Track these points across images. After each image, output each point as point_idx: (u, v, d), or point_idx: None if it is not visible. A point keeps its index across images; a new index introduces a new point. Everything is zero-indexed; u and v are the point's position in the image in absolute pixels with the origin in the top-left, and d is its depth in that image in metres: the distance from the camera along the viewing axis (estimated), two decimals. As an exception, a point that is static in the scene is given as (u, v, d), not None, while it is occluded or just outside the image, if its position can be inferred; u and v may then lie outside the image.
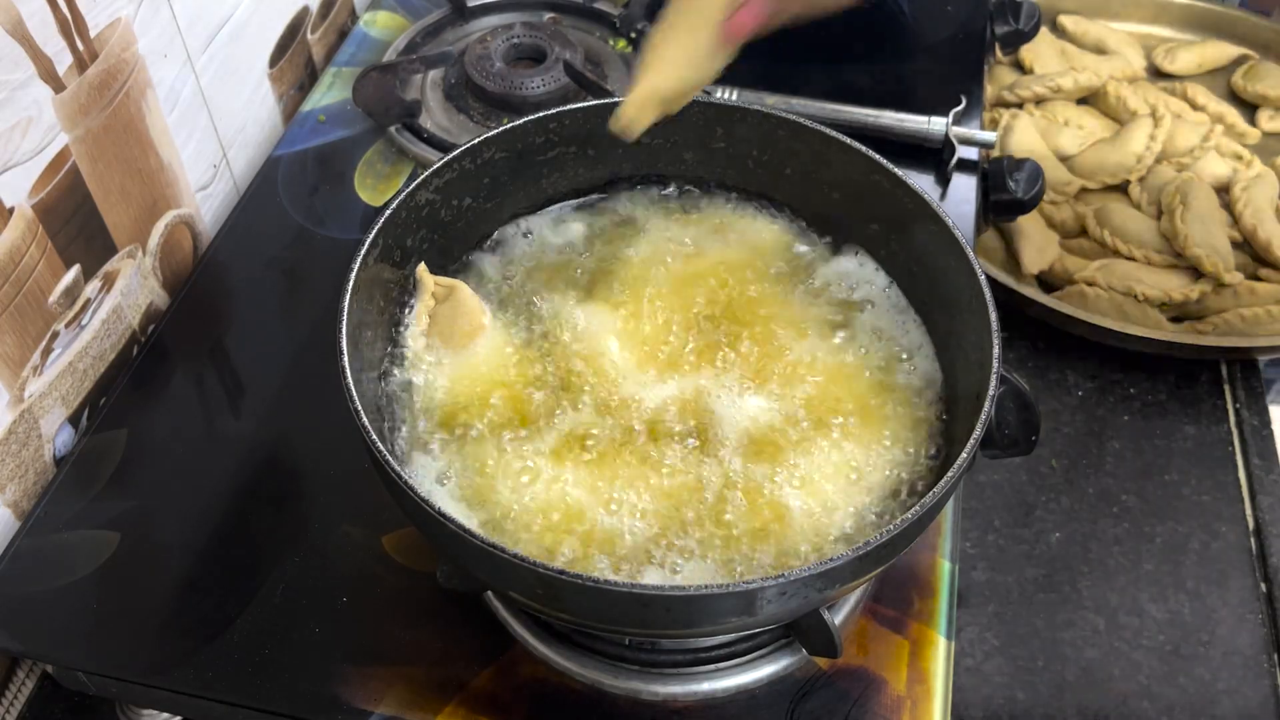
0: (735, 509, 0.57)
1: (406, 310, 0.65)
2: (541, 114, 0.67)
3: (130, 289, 0.83)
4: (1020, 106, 1.25)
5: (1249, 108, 1.28)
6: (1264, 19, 1.36)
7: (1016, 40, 1.13)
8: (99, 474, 0.74)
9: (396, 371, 0.63)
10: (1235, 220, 1.11)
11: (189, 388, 0.80)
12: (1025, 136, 1.19)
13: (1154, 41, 1.37)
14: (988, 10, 1.11)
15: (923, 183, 0.63)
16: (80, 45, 0.73)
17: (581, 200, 0.72)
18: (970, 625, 0.88)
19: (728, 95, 0.95)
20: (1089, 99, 1.27)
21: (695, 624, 0.52)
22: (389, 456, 0.51)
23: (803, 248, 0.69)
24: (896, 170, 0.63)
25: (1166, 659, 0.86)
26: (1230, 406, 1.03)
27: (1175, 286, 1.06)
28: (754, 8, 0.61)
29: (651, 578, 0.55)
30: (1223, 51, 1.34)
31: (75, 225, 0.76)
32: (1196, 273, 1.07)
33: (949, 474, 0.50)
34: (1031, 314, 1.06)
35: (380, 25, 1.09)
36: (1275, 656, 0.86)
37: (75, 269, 0.77)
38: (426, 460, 0.59)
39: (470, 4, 1.07)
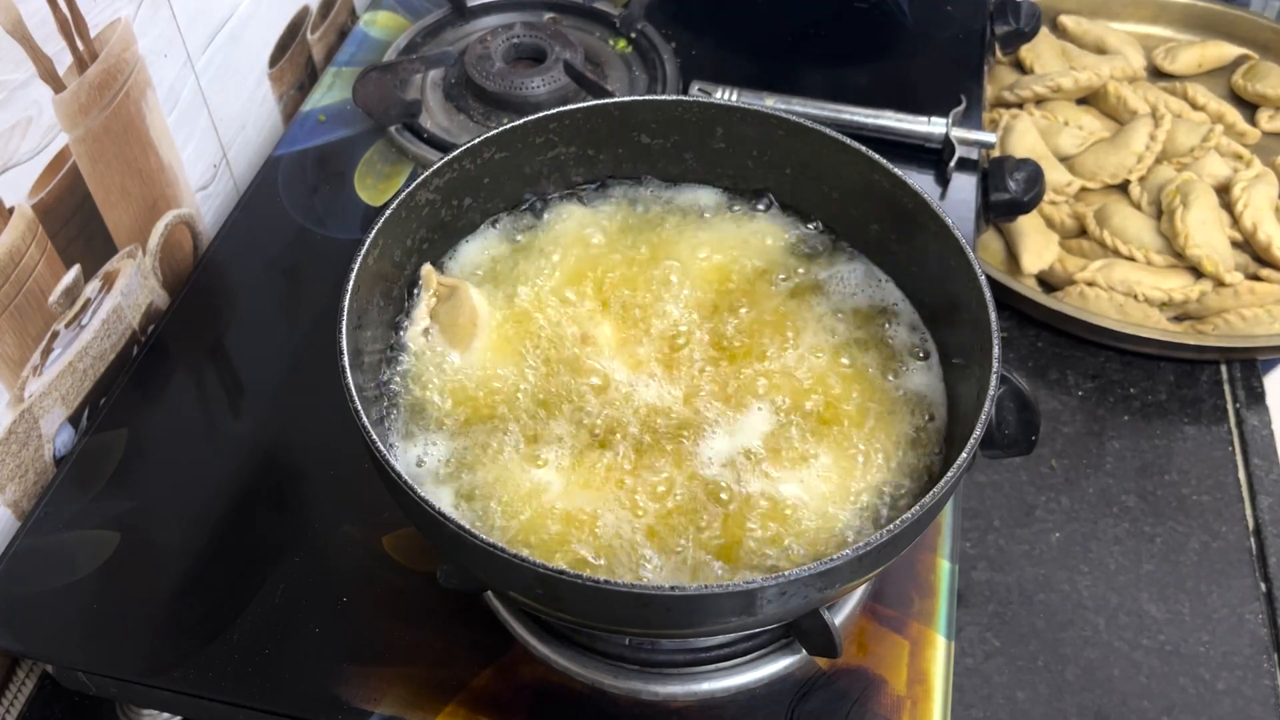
0: (734, 510, 0.57)
1: (406, 310, 0.65)
2: (541, 114, 0.66)
3: (130, 289, 0.83)
4: (1020, 106, 1.25)
5: (1249, 108, 1.28)
6: (1264, 19, 1.36)
7: (1016, 40, 1.13)
8: (99, 474, 0.74)
9: (397, 371, 0.63)
10: (1235, 220, 1.11)
11: (189, 388, 0.80)
12: (1025, 136, 1.18)
13: (1154, 41, 1.37)
14: (988, 10, 1.11)
15: (923, 183, 0.63)
16: (80, 45, 0.73)
17: (581, 201, 0.72)
18: (970, 625, 0.87)
19: (728, 95, 0.95)
20: (1089, 99, 1.27)
21: (695, 624, 0.52)
22: (389, 456, 0.51)
23: (802, 248, 0.69)
24: (896, 170, 0.63)
25: (1166, 659, 0.86)
26: (1230, 406, 1.03)
27: (1175, 286, 1.06)
28: None
29: (651, 578, 0.55)
30: (1223, 51, 1.34)
31: (75, 225, 0.76)
32: (1196, 273, 1.07)
33: (949, 474, 0.50)
34: (1031, 314, 1.06)
35: (380, 25, 1.09)
36: (1275, 656, 0.86)
37: (75, 269, 0.77)
38: (426, 460, 0.59)
39: (470, 4, 1.07)
